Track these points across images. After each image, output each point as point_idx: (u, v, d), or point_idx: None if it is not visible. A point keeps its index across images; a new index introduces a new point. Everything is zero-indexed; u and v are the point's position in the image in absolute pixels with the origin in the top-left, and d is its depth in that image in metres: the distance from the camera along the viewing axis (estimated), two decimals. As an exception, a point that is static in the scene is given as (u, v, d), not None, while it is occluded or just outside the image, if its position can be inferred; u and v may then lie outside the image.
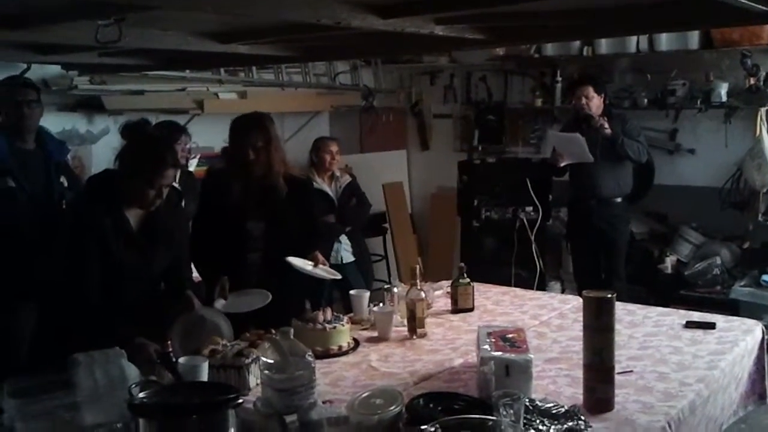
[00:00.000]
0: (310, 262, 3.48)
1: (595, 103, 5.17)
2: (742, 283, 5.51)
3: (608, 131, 5.04)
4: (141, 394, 1.95)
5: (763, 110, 5.53)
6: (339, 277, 3.71)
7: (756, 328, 3.16)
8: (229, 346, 2.68)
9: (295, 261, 3.42)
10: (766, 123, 5.53)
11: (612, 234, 5.28)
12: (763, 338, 3.14)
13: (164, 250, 3.03)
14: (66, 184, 3.88)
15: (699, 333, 3.09)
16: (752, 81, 5.55)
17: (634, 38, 5.84)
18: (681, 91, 5.89)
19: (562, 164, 5.30)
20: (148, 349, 2.78)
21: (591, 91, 5.17)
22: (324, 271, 3.53)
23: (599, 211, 5.25)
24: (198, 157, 5.45)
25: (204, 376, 2.43)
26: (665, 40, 5.79)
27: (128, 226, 2.91)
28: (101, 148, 5.09)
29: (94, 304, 2.81)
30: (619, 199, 5.28)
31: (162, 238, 3.01)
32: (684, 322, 3.22)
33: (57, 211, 3.69)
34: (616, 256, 5.32)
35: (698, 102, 5.79)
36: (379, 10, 2.45)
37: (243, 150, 3.45)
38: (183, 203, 3.53)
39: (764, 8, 2.33)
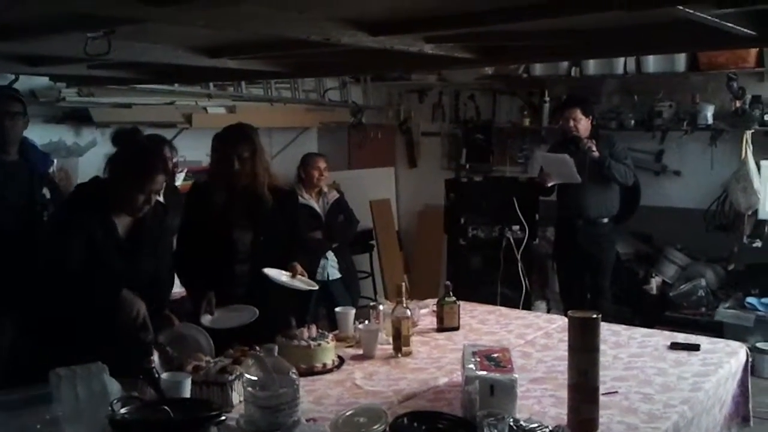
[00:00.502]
0: (286, 273, 3.45)
1: (582, 125, 5.20)
2: (726, 305, 5.54)
3: (596, 154, 5.07)
4: (122, 410, 1.94)
5: (748, 133, 5.58)
6: (316, 287, 3.66)
7: (740, 350, 3.17)
8: (212, 363, 2.66)
9: (271, 272, 3.39)
10: (751, 146, 5.58)
11: (598, 254, 5.29)
12: (747, 360, 3.15)
13: (149, 258, 3.02)
14: (48, 195, 3.85)
15: (683, 354, 3.09)
16: (738, 104, 5.62)
17: (621, 60, 5.90)
18: (667, 113, 5.95)
19: (550, 184, 5.33)
20: (139, 306, 2.77)
21: (579, 113, 5.20)
22: (301, 282, 3.49)
23: (586, 231, 5.26)
24: (185, 171, 5.42)
25: (187, 393, 2.41)
26: (652, 63, 5.85)
27: (115, 232, 2.91)
28: (88, 161, 5.06)
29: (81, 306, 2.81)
30: (605, 220, 5.30)
31: (147, 246, 3.01)
32: (669, 344, 3.22)
33: (38, 223, 3.66)
34: (601, 277, 5.33)
35: (684, 124, 5.85)
36: (368, 28, 2.46)
37: (229, 160, 3.45)
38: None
39: (750, 32, 2.35)
